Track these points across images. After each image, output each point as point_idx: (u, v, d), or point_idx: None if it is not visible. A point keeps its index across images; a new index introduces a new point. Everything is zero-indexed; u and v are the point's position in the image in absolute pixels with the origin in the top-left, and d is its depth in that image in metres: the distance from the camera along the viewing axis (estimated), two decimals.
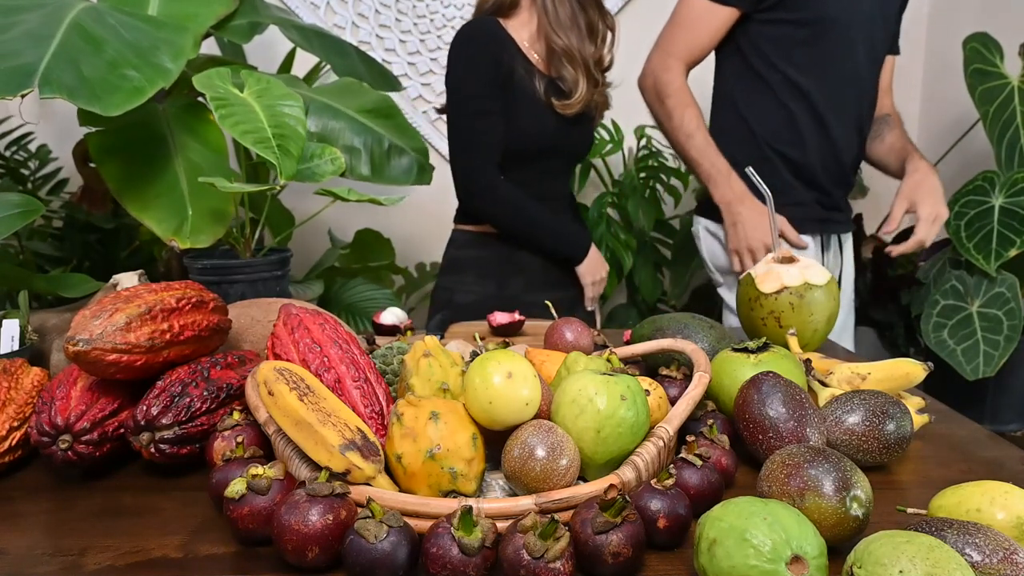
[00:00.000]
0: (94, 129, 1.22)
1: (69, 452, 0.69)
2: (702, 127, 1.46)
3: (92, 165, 1.77)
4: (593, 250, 1.49)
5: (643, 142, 2.27)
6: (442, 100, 2.41)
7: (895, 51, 1.66)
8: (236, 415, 0.71)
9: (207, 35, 1.34)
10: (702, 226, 1.62)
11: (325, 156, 1.25)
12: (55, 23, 1.06)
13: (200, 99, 1.36)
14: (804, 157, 1.47)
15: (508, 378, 0.62)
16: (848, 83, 1.48)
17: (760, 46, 1.45)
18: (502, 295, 1.45)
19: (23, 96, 0.95)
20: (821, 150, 1.48)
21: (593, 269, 1.49)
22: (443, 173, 2.39)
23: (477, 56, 1.35)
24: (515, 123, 1.37)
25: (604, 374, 0.65)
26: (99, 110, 0.99)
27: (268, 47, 2.11)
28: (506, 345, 0.82)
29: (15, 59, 0.97)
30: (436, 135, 2.38)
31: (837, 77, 1.46)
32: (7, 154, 2.02)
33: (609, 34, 1.44)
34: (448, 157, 1.45)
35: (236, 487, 0.58)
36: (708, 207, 1.55)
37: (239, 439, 0.65)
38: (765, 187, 1.12)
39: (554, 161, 1.46)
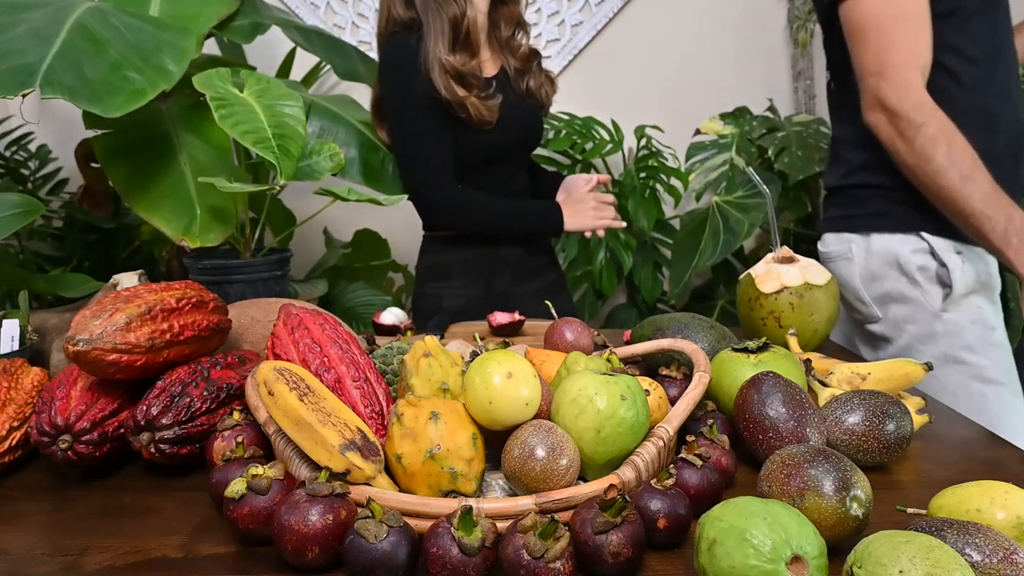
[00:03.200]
0: (99, 132, 1.22)
1: (69, 452, 0.69)
2: (980, 164, 1.05)
3: (94, 165, 1.78)
4: (567, 208, 1.44)
5: (643, 142, 2.27)
6: None
7: None
8: (236, 415, 0.71)
9: (208, 35, 1.34)
10: (861, 245, 1.23)
11: (324, 153, 1.26)
12: (58, 23, 1.06)
13: (203, 98, 1.36)
14: (996, 144, 1.14)
15: (508, 378, 0.62)
16: (1009, 48, 1.19)
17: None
18: (491, 292, 1.45)
19: (24, 96, 0.95)
20: (1008, 131, 1.17)
21: (577, 223, 1.44)
22: None
23: (404, 79, 1.34)
24: (458, 134, 1.37)
25: (604, 374, 0.65)
26: (100, 111, 0.99)
27: (268, 47, 2.11)
28: (506, 345, 0.82)
29: (17, 58, 0.97)
30: None
31: (1005, 44, 1.17)
32: (7, 154, 2.02)
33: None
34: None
35: (236, 487, 0.58)
36: (867, 217, 1.22)
37: (239, 439, 0.65)
38: (765, 187, 1.12)
39: (509, 159, 1.48)
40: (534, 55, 1.51)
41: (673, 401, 0.78)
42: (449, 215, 1.41)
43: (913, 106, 1.06)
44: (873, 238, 1.21)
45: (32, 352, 0.92)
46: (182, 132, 1.27)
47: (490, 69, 1.46)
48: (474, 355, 0.82)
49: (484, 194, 1.42)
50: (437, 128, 1.35)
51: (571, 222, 1.43)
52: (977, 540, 0.49)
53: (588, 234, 1.46)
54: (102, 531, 0.62)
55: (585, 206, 1.45)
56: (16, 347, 0.89)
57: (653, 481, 0.59)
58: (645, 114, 2.32)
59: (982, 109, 1.14)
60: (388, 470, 0.62)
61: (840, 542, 0.55)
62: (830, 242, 1.30)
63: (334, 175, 1.31)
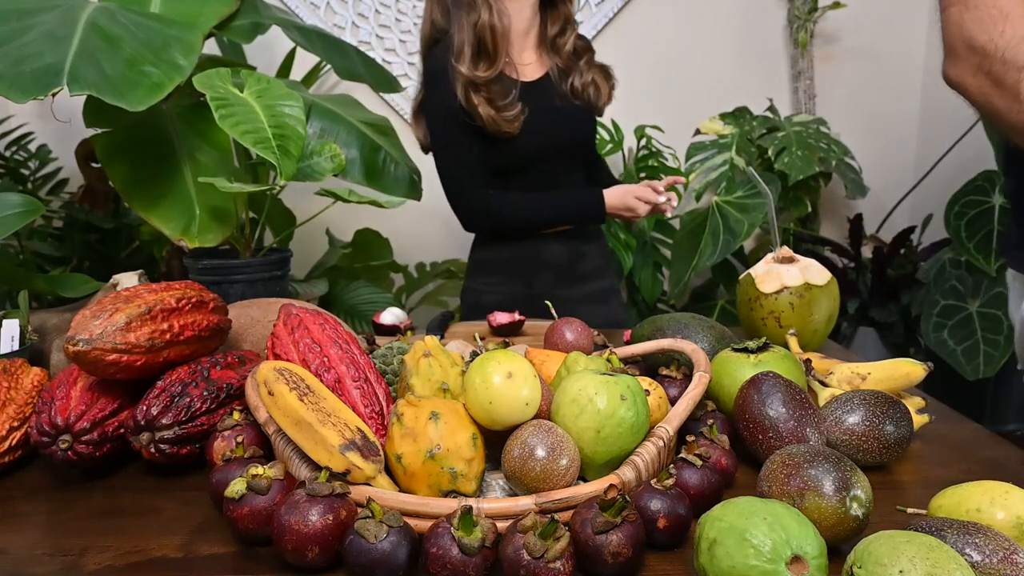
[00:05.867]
0: (100, 131, 1.23)
1: (69, 452, 0.69)
2: None
3: (95, 165, 1.78)
4: (610, 194, 1.40)
5: (643, 142, 2.27)
6: None
7: None
8: (236, 415, 0.71)
9: (208, 35, 1.34)
10: None
11: (324, 153, 1.25)
12: (71, 23, 1.06)
13: (204, 99, 1.36)
14: None
15: (508, 378, 0.62)
16: None
17: None
18: (531, 292, 1.44)
19: (54, 95, 0.96)
20: None
21: (620, 208, 1.41)
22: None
23: (436, 91, 1.35)
24: (485, 143, 1.36)
25: (604, 374, 0.65)
26: (126, 105, 1.00)
27: (268, 47, 2.11)
28: (506, 345, 0.82)
29: (38, 60, 0.99)
30: None
31: None
32: (7, 154, 2.02)
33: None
34: None
35: (236, 487, 0.58)
36: None
37: (239, 439, 0.65)
38: (765, 187, 1.12)
39: (551, 163, 1.44)
40: (582, 52, 1.45)
41: (673, 401, 0.78)
42: (481, 219, 1.42)
43: (1012, 42, 0.76)
44: None
45: (32, 352, 0.92)
46: (183, 132, 1.27)
47: (534, 72, 1.43)
48: (474, 355, 0.82)
49: (517, 193, 1.40)
50: (467, 138, 1.35)
51: (612, 200, 1.40)
52: (977, 540, 0.49)
53: (630, 214, 1.41)
54: (102, 531, 0.62)
55: (631, 188, 1.41)
56: (16, 347, 0.89)
57: (653, 481, 0.59)
58: (645, 114, 2.32)
59: None
60: (388, 470, 0.62)
61: (840, 542, 0.55)
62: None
63: (335, 176, 1.31)
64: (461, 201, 1.40)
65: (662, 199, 1.39)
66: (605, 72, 1.48)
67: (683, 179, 1.46)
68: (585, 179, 1.53)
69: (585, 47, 1.47)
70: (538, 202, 1.41)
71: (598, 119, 1.50)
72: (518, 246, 1.44)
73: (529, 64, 1.43)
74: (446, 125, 1.35)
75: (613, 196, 1.41)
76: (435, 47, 1.38)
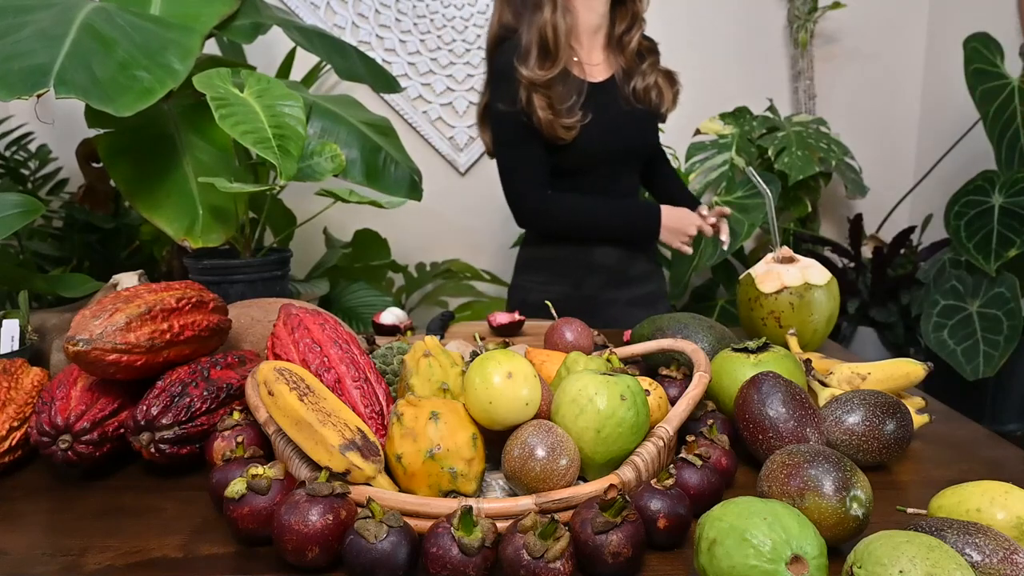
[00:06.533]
0: (102, 131, 1.23)
1: (69, 452, 0.69)
2: None
3: (96, 165, 1.78)
4: (667, 215, 1.38)
5: None
6: (441, 100, 2.43)
7: None
8: (236, 415, 0.71)
9: (209, 35, 1.34)
10: None
11: (325, 154, 1.25)
12: (66, 23, 1.06)
13: (205, 99, 1.36)
14: None
15: (508, 378, 0.62)
16: None
17: None
18: (579, 294, 1.44)
19: (39, 96, 0.95)
20: None
21: (672, 235, 1.39)
22: (442, 174, 2.40)
23: (499, 91, 1.34)
24: (549, 144, 1.35)
25: (604, 374, 0.65)
26: (112, 111, 0.99)
27: (268, 47, 2.11)
28: (506, 345, 0.82)
29: (29, 59, 0.98)
30: (436, 135, 2.39)
31: None
32: (7, 154, 2.02)
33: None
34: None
35: (236, 487, 0.58)
36: None
37: (239, 439, 0.65)
38: (765, 187, 1.12)
39: (611, 167, 1.42)
40: (646, 53, 1.42)
41: (673, 401, 0.78)
42: (537, 218, 1.40)
43: None
44: None
45: (32, 352, 0.92)
46: (185, 132, 1.27)
47: (602, 73, 1.41)
48: (474, 355, 0.82)
49: (577, 195, 1.39)
50: (530, 137, 1.34)
51: (669, 222, 1.37)
52: (977, 540, 0.49)
53: (683, 237, 1.39)
54: (102, 531, 0.62)
55: (690, 216, 1.38)
56: (16, 347, 0.89)
57: (653, 481, 0.59)
58: None
59: None
60: (388, 470, 0.62)
61: (840, 542, 0.55)
62: None
63: (335, 176, 1.31)
64: (518, 199, 1.39)
65: (711, 222, 1.38)
66: (670, 77, 1.44)
67: (728, 211, 1.41)
68: (643, 182, 1.53)
69: (650, 48, 1.44)
70: (595, 211, 1.39)
71: (661, 125, 1.47)
72: (569, 247, 1.44)
73: (597, 64, 1.41)
74: (508, 124, 1.34)
75: (670, 217, 1.38)
76: (501, 46, 1.37)
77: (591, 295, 1.43)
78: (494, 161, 1.43)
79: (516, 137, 1.34)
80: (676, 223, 1.38)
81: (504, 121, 1.35)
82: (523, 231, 1.56)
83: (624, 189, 1.46)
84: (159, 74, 1.07)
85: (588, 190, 1.40)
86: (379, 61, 2.13)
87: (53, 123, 1.36)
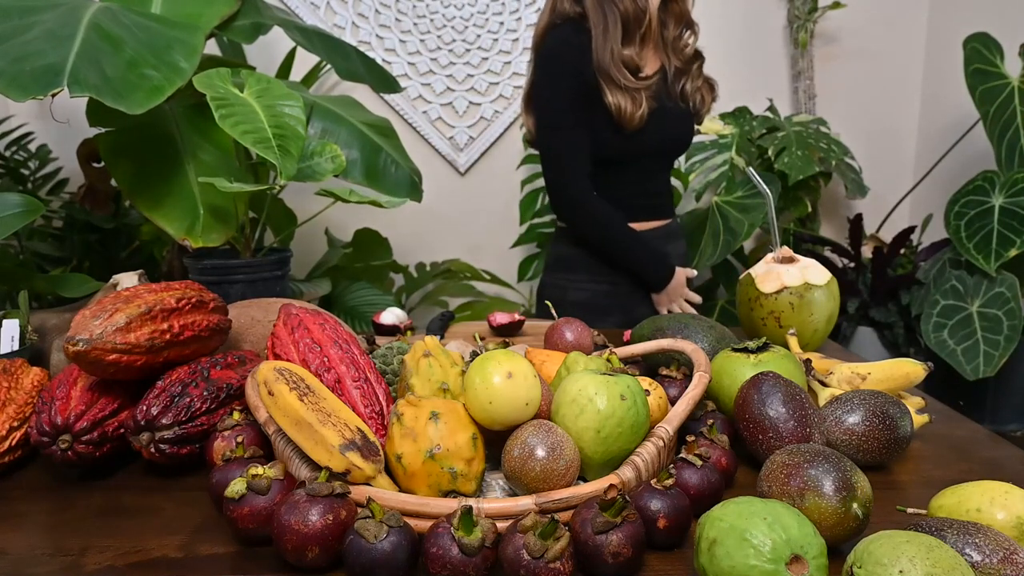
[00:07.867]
0: (102, 130, 1.22)
1: (69, 452, 0.69)
2: None
3: (97, 165, 1.78)
4: (677, 279, 1.45)
5: None
6: (441, 100, 2.43)
7: None
8: (236, 415, 0.71)
9: (209, 35, 1.34)
10: None
11: (325, 154, 1.25)
12: (74, 23, 1.06)
13: (206, 99, 1.36)
14: None
15: (508, 378, 0.62)
16: None
17: None
18: (616, 291, 1.45)
19: (53, 96, 0.95)
20: None
21: (666, 299, 1.47)
22: (442, 174, 2.40)
23: (558, 71, 1.34)
24: (598, 132, 1.36)
25: (604, 374, 0.65)
26: (124, 108, 0.99)
27: (268, 48, 2.11)
28: (506, 345, 0.82)
29: (39, 59, 0.98)
30: (436, 135, 2.38)
31: None
32: (7, 154, 2.02)
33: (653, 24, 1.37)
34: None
35: (236, 487, 0.58)
36: None
37: (239, 439, 0.65)
38: (765, 187, 1.12)
39: (645, 160, 1.44)
40: (697, 57, 1.47)
41: (673, 401, 0.78)
42: (574, 212, 1.41)
43: None
44: None
45: (32, 352, 0.92)
46: (186, 132, 1.27)
47: (649, 67, 1.42)
48: (474, 355, 0.82)
49: (615, 211, 1.40)
50: (580, 123, 1.34)
51: (675, 284, 1.45)
52: (977, 540, 0.49)
53: (667, 302, 1.47)
54: (102, 531, 0.62)
55: (679, 290, 1.47)
56: (16, 347, 0.89)
57: (653, 481, 0.59)
58: None
59: None
60: (388, 470, 0.62)
61: (840, 542, 0.55)
62: None
63: (336, 176, 1.31)
64: (561, 186, 1.39)
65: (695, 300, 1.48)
66: (710, 84, 1.50)
67: (694, 272, 1.51)
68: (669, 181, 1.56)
69: (699, 53, 1.48)
70: (624, 234, 1.41)
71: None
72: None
73: (647, 58, 1.43)
74: (563, 107, 1.34)
75: (679, 282, 1.45)
76: (553, 31, 1.37)
77: (628, 293, 1.45)
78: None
79: (565, 120, 1.35)
80: (680, 289, 1.46)
81: (557, 105, 1.35)
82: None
83: (655, 187, 1.48)
84: (167, 72, 1.07)
85: (622, 185, 1.41)
86: (379, 61, 2.13)
87: (68, 122, 1.35)
